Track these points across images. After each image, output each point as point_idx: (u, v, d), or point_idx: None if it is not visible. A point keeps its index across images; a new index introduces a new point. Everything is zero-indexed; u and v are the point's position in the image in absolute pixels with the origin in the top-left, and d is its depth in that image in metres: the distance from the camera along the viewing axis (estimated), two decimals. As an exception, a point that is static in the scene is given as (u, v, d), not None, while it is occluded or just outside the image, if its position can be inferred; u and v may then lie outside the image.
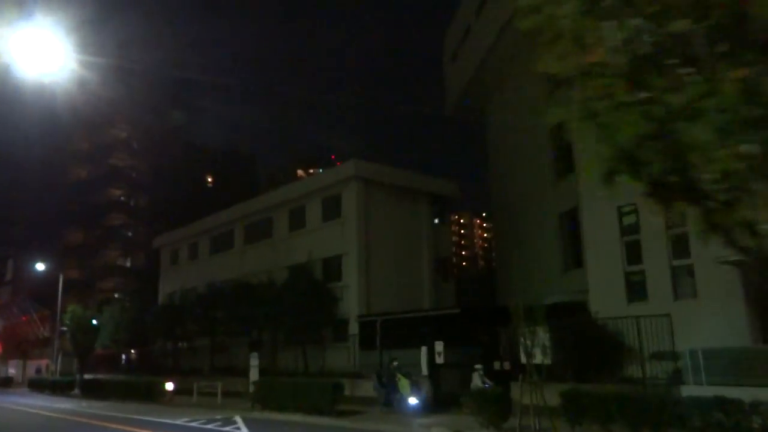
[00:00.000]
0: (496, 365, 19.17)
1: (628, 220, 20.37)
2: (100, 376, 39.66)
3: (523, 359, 16.12)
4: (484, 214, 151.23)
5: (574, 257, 28.37)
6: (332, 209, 30.94)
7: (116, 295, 65.61)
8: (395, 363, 20.10)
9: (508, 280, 35.18)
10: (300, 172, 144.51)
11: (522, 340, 14.40)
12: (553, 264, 29.24)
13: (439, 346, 20.69)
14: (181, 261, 44.92)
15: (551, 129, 29.32)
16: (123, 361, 48.92)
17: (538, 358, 14.49)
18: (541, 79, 30.19)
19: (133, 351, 49.77)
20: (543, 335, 15.05)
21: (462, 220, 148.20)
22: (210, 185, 73.63)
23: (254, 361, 24.43)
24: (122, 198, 70.60)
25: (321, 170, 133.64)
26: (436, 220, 33.14)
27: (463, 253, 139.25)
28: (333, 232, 30.51)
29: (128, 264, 68.78)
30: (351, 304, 28.63)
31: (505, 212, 35.74)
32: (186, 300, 39.62)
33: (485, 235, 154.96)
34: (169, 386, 28.83)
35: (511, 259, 34.68)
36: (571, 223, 28.40)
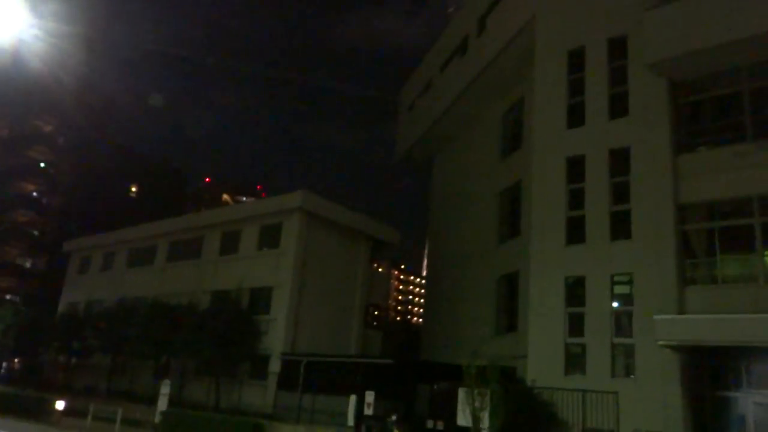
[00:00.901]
0: (429, 424, 18.32)
1: (574, 291, 20.40)
2: (-27, 385, 35.65)
3: (464, 421, 15.47)
4: (402, 267, 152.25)
5: (507, 322, 28.30)
6: (270, 238, 29.67)
7: (8, 297, 60.27)
8: (394, 417, 18.41)
9: (434, 336, 34.68)
10: (226, 196, 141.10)
11: (470, 401, 13.75)
12: (484, 326, 28.99)
13: (369, 396, 19.67)
14: (91, 270, 41.75)
15: (502, 191, 29.72)
16: (2, 371, 44.43)
17: (485, 423, 13.86)
18: (495, 138, 31.05)
19: (16, 360, 45.39)
20: (488, 399, 14.49)
21: (395, 271, 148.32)
22: (133, 195, 69.91)
23: (165, 389, 22.48)
24: (34, 194, 65.70)
25: (245, 198, 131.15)
26: (375, 266, 32.42)
27: (391, 303, 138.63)
28: (267, 261, 29.16)
29: (28, 264, 63.51)
30: (275, 340, 27.14)
31: (441, 268, 35.54)
32: (90, 312, 36.70)
33: (410, 288, 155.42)
34: (60, 405, 26.01)
35: (439, 316, 34.30)
36: (509, 287, 28.45)
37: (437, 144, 37.25)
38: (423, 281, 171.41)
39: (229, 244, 31.68)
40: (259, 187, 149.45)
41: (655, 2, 20.32)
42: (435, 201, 39.66)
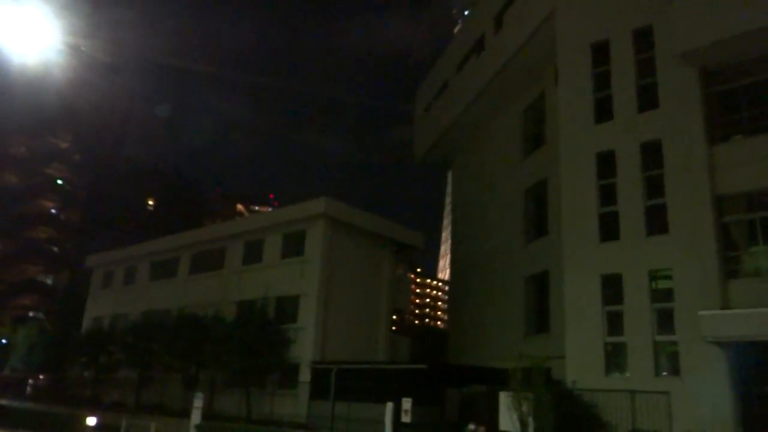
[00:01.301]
0: (469, 429, 17.94)
1: (612, 289, 19.94)
2: (3, 402, 35.66)
3: (509, 426, 15.09)
4: (418, 270, 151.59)
5: (538, 322, 27.86)
6: (294, 246, 29.43)
7: (31, 314, 60.63)
8: (472, 427, 17.94)
9: (460, 339, 34.28)
10: (240, 206, 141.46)
11: (517, 405, 13.39)
12: (515, 327, 28.56)
13: (406, 403, 19.34)
14: (114, 284, 41.79)
15: (527, 189, 29.31)
16: (29, 388, 44.52)
17: (531, 428, 13.49)
18: (517, 136, 30.65)
19: (41, 377, 45.51)
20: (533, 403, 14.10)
21: (411, 275, 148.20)
22: (151, 208, 70.16)
23: (198, 402, 22.28)
24: (53, 211, 66.17)
25: (257, 208, 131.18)
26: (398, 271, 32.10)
27: (417, 310, 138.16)
28: (292, 270, 28.92)
29: (50, 281, 63.88)
30: (304, 349, 26.87)
31: (465, 270, 35.15)
32: (116, 326, 36.65)
33: (427, 291, 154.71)
34: (91, 421, 25.81)
35: (465, 319, 33.91)
36: (538, 287, 28.02)
37: (456, 144, 36.93)
38: (439, 284, 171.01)
39: (253, 253, 31.49)
40: (271, 195, 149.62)
41: (680, -9, 19.91)
42: (457, 202, 39.34)
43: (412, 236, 32.64)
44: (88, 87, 58.97)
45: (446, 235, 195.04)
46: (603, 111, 21.52)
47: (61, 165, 65.67)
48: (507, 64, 28.53)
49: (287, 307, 28.46)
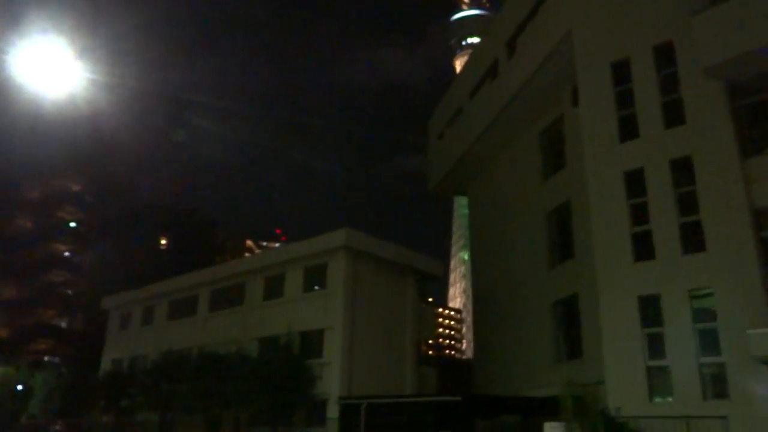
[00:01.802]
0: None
1: (650, 310, 19.37)
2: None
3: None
4: (430, 300, 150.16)
5: (568, 347, 27.18)
6: (315, 279, 29.06)
7: (46, 358, 60.07)
8: None
9: (486, 369, 33.54)
10: (249, 242, 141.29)
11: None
12: (543, 354, 27.87)
13: (445, 437, 18.67)
14: (132, 325, 41.36)
15: (549, 213, 28.90)
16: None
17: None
18: (535, 159, 30.38)
19: (58, 423, 44.78)
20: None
21: (430, 303, 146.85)
22: (164, 247, 70.03)
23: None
24: (66, 254, 66.13)
25: (265, 244, 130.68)
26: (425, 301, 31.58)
27: (436, 340, 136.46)
28: (315, 303, 28.48)
29: (64, 324, 63.48)
30: (331, 384, 26.27)
31: (488, 297, 34.54)
32: (135, 368, 36.12)
33: (440, 320, 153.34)
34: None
35: (490, 347, 33.20)
36: (566, 311, 27.41)
37: (472, 170, 36.66)
38: (451, 312, 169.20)
39: (273, 288, 31.10)
40: (278, 231, 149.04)
41: (698, 6, 19.80)
42: (475, 230, 38.90)
43: (432, 265, 32.22)
44: (97, 128, 59.48)
45: (455, 263, 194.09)
46: (628, 129, 21.22)
47: (74, 208, 65.89)
48: (522, 88, 28.40)
49: (312, 342, 27.96)
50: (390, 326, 29.32)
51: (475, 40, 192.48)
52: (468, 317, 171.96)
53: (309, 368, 26.61)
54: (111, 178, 65.88)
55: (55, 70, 11.42)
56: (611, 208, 20.94)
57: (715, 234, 18.35)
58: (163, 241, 70.91)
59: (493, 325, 33.02)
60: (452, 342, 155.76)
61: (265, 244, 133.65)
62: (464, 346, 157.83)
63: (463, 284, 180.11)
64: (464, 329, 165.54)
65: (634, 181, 20.60)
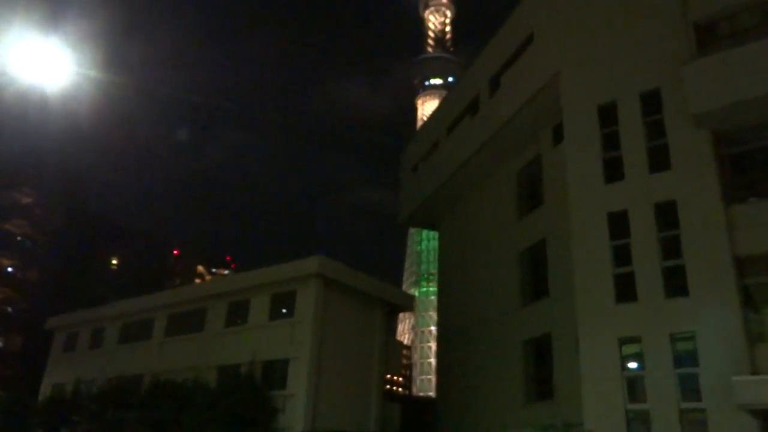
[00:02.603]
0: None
1: (630, 353, 19.19)
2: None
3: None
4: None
5: (537, 388, 26.79)
6: (282, 307, 27.98)
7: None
8: None
9: (449, 407, 32.80)
10: (200, 268, 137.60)
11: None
12: (512, 394, 27.38)
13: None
14: (79, 347, 39.00)
15: (522, 252, 28.80)
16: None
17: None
18: (510, 197, 30.41)
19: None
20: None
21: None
22: (114, 267, 67.32)
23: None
24: (9, 269, 62.71)
25: (213, 270, 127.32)
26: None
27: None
28: (280, 332, 27.35)
29: (1, 344, 59.77)
30: (294, 418, 25.04)
31: (453, 334, 34.02)
32: (80, 393, 33.89)
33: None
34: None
35: (456, 386, 32.52)
36: (536, 351, 27.09)
37: (444, 205, 36.51)
38: (403, 351, 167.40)
39: (237, 314, 29.82)
40: (228, 258, 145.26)
41: (686, 55, 20.30)
42: (444, 265, 38.54)
43: (403, 297, 31.59)
44: (51, 137, 57.31)
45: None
46: (613, 170, 21.37)
47: (22, 221, 62.80)
48: (503, 126, 28.54)
49: (275, 372, 26.72)
50: (357, 359, 28.37)
51: (438, 81, 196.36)
52: (415, 355, 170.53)
53: (271, 400, 25.37)
54: (65, 191, 63.27)
55: (41, 66, 10.64)
56: (593, 249, 20.88)
57: (697, 278, 18.42)
58: (114, 261, 68.19)
59: (459, 362, 32.42)
60: (403, 380, 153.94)
61: (214, 270, 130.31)
62: (415, 384, 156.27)
63: (412, 321, 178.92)
64: (413, 368, 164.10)
65: (618, 223, 20.64)
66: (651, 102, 21.20)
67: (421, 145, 39.58)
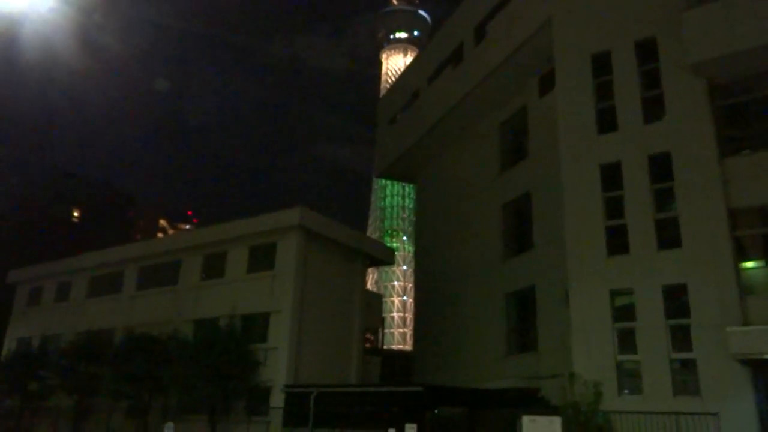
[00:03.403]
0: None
1: (621, 305, 19.20)
2: None
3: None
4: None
5: (520, 340, 26.91)
6: (262, 260, 27.23)
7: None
8: None
9: (427, 359, 32.88)
10: (163, 222, 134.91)
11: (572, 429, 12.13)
12: (493, 346, 27.46)
13: (411, 429, 17.68)
14: (44, 302, 37.64)
15: (505, 204, 28.51)
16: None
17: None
18: (494, 150, 29.93)
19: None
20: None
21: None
22: (76, 220, 65.06)
23: (168, 433, 19.68)
24: (-36, 221, 59.93)
25: (179, 224, 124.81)
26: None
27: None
28: (260, 285, 26.67)
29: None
30: (276, 371, 24.64)
31: (432, 288, 33.87)
32: (47, 348, 32.80)
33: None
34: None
35: (433, 338, 32.55)
36: (520, 304, 27.12)
37: (424, 156, 35.83)
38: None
39: (213, 267, 28.96)
40: (189, 213, 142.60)
41: (683, 3, 19.76)
42: (422, 218, 38.16)
43: (383, 250, 31.15)
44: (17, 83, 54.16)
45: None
46: (606, 121, 20.97)
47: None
48: (488, 76, 27.79)
49: (255, 326, 26.16)
50: (338, 312, 28.00)
51: (403, 35, 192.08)
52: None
53: (253, 353, 24.88)
54: (24, 137, 60.26)
55: None
56: (585, 201, 20.62)
57: (690, 230, 18.36)
58: (76, 214, 65.88)
59: (438, 315, 32.36)
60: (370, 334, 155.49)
61: (177, 225, 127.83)
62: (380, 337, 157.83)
63: (375, 276, 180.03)
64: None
65: (611, 175, 20.37)
66: (646, 51, 20.72)
67: (400, 95, 38.56)
